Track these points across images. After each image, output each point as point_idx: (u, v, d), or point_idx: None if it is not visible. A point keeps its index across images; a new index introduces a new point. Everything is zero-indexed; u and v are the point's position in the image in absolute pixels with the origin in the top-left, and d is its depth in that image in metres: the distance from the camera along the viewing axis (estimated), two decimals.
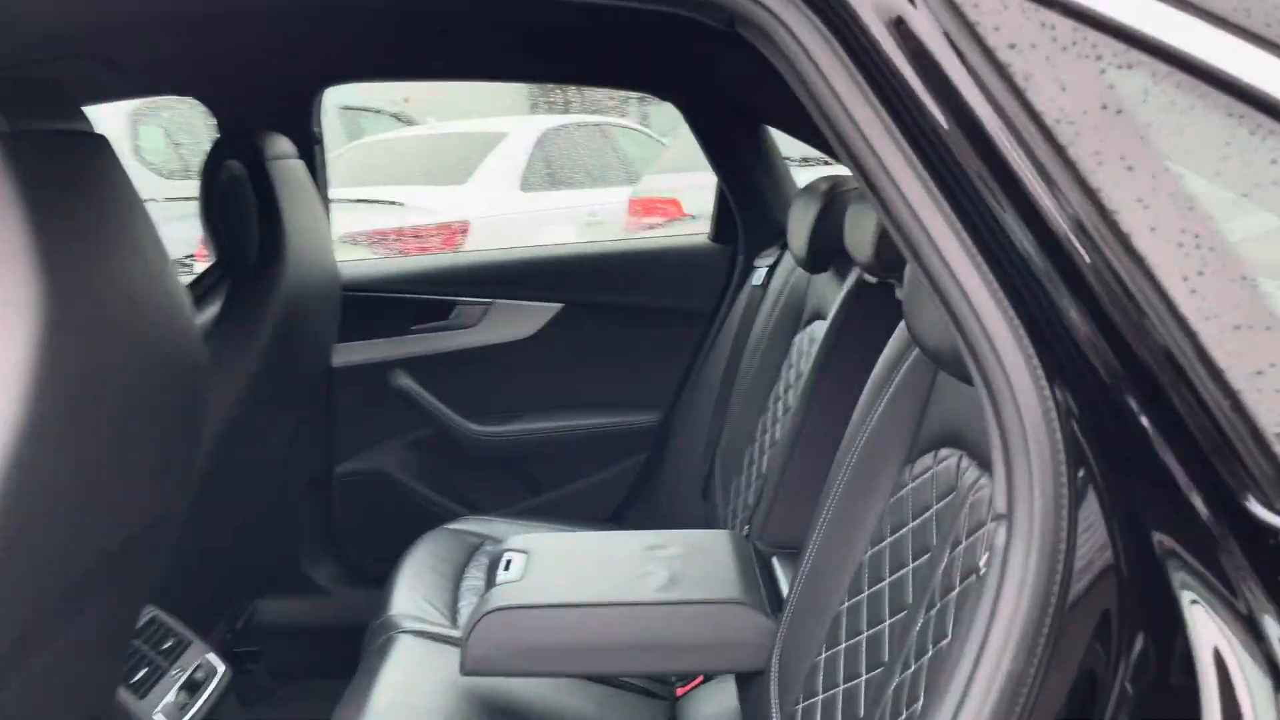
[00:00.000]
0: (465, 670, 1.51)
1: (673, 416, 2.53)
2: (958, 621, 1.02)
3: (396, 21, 2.06)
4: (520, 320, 2.51)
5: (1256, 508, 0.60)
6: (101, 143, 1.12)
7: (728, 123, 2.33)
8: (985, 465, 1.13)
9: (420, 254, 5.46)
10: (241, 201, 1.86)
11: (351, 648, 2.55)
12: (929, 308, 1.11)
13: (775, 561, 1.74)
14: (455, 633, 1.85)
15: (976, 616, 0.71)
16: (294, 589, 2.53)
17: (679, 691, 1.85)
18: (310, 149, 2.25)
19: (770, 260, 2.31)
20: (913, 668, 1.11)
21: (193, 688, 1.67)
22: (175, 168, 5.83)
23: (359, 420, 2.51)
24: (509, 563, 1.65)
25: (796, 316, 2.17)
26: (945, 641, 1.04)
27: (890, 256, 1.45)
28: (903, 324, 1.37)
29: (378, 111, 8.17)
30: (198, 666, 1.71)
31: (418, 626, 1.83)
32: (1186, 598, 0.64)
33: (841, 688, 1.27)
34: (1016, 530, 0.68)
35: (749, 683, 1.57)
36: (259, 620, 2.48)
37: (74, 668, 1.27)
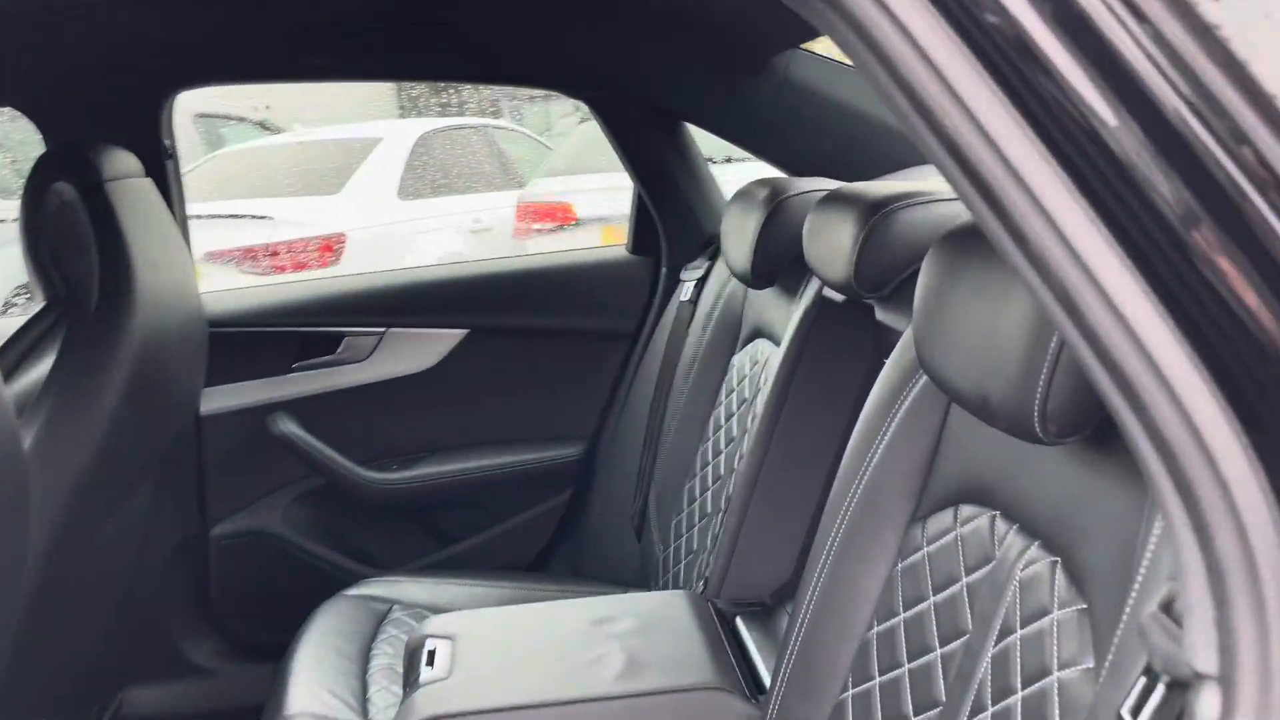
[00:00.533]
0: None
1: (597, 449, 2.29)
2: None
3: (260, 14, 1.75)
4: (419, 350, 2.22)
5: None
6: None
7: (644, 121, 2.10)
8: (1030, 531, 0.93)
9: (296, 270, 5.07)
10: (75, 231, 1.53)
11: None
12: (961, 347, 0.90)
13: (740, 623, 1.53)
14: None
15: None
16: (169, 673, 2.19)
17: None
18: (160, 164, 1.92)
19: (699, 272, 2.09)
20: None
21: None
22: (14, 187, 5.27)
23: (236, 474, 2.19)
24: (432, 654, 1.38)
25: (733, 334, 1.96)
26: None
27: (871, 276, 1.24)
28: (900, 351, 1.16)
29: (240, 119, 7.65)
30: None
31: None
32: None
33: None
34: (1240, 700, 0.47)
35: None
36: (127, 713, 2.13)
37: None
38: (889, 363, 1.18)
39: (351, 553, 2.26)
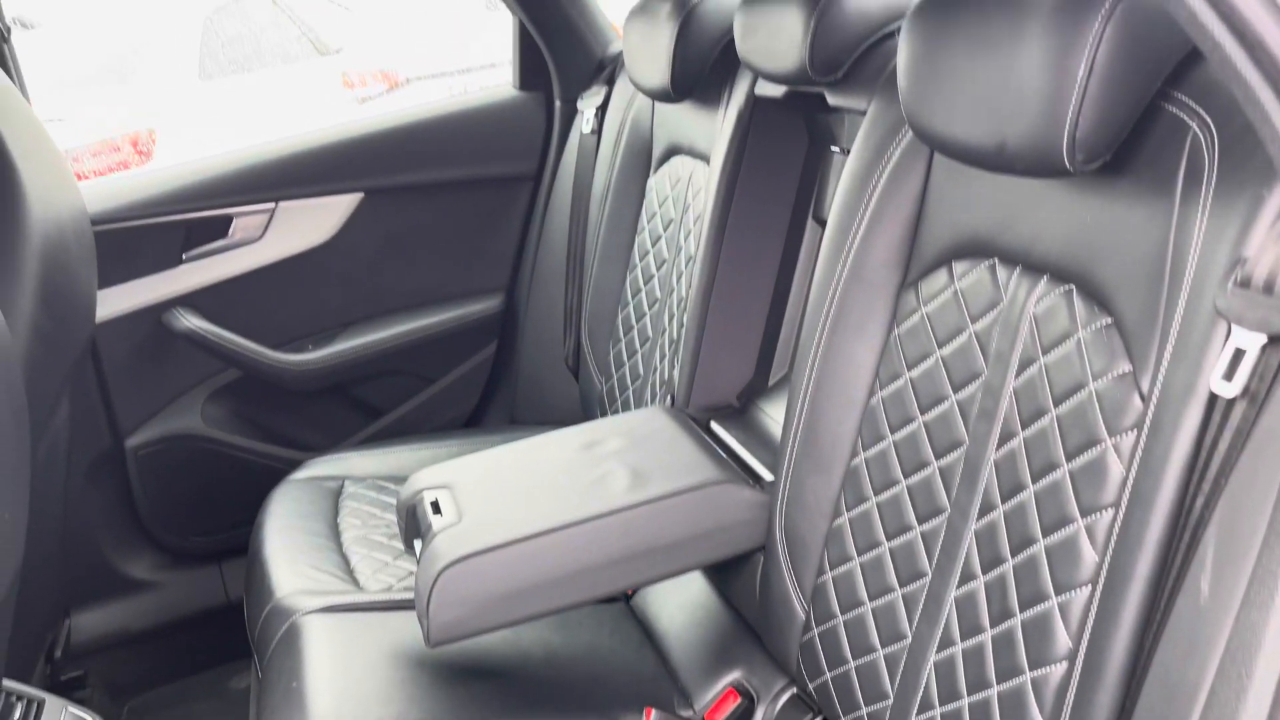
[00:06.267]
0: (433, 642, 1.26)
1: (515, 297, 2.27)
2: (1081, 446, 0.90)
3: None
4: (314, 221, 2.12)
5: None
6: None
7: None
8: (1036, 269, 1.00)
9: (108, 174, 4.66)
10: None
11: (196, 640, 2.19)
12: (958, 101, 0.94)
13: (716, 425, 1.59)
14: (366, 595, 1.57)
15: None
16: (110, 592, 2.11)
17: (628, 591, 1.69)
18: None
19: (598, 99, 2.05)
20: (1004, 507, 0.99)
21: None
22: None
23: (142, 380, 2.07)
24: (435, 504, 1.38)
25: (645, 157, 1.95)
26: (1059, 472, 0.92)
27: (827, 58, 1.25)
28: (869, 127, 1.19)
29: None
30: None
31: (321, 602, 1.53)
32: None
33: (888, 546, 1.15)
34: None
35: (737, 566, 1.42)
36: (76, 640, 2.05)
37: None
38: (859, 141, 1.21)
39: (281, 441, 2.19)
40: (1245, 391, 0.66)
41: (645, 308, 1.90)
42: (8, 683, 1.31)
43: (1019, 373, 1.00)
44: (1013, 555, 0.97)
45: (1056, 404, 0.94)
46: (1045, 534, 0.93)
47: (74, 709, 1.42)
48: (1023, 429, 0.99)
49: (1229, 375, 0.67)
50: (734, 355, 1.62)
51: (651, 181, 1.93)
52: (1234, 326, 0.67)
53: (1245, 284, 0.67)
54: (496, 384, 2.31)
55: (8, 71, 1.72)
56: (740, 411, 1.62)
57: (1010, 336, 1.02)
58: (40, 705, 1.37)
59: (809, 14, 1.24)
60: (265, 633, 1.54)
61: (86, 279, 1.70)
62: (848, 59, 1.25)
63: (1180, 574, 0.69)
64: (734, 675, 1.41)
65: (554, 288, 2.16)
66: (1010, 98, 0.87)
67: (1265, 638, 0.57)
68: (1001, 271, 1.04)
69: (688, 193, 1.80)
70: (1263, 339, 0.64)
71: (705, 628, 1.52)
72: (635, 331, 1.92)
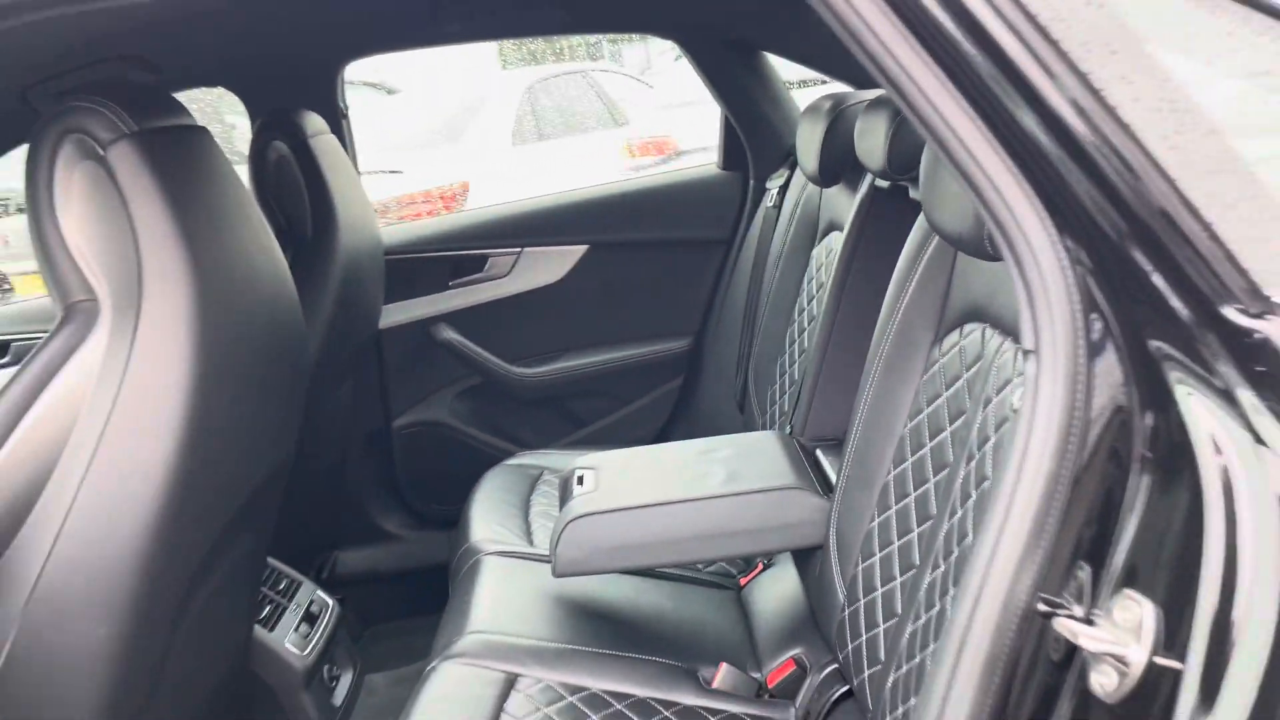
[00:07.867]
0: (557, 572, 1.69)
1: (702, 340, 2.69)
2: (996, 464, 1.19)
3: None
4: (549, 265, 2.65)
5: (1232, 313, 0.76)
6: (205, 133, 1.27)
7: (728, 54, 2.45)
8: (1008, 333, 1.29)
9: (428, 217, 5.58)
10: (290, 179, 2.00)
11: (426, 587, 2.75)
12: (947, 200, 1.26)
13: (819, 453, 1.91)
14: (534, 549, 2.03)
15: (1015, 438, 0.87)
16: (368, 539, 2.71)
17: (742, 581, 2.03)
18: (338, 123, 2.38)
19: (781, 181, 2.45)
20: (959, 513, 1.28)
21: (311, 620, 1.85)
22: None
23: (410, 375, 2.67)
24: (581, 478, 1.82)
25: (812, 231, 2.31)
26: (987, 484, 1.21)
27: (900, 160, 1.59)
28: (921, 218, 1.52)
29: (349, 83, 8.18)
30: (311, 602, 1.89)
31: (499, 548, 2.01)
32: (1181, 390, 0.78)
33: (896, 544, 1.45)
34: (1043, 361, 0.84)
35: (808, 559, 1.75)
36: (340, 571, 2.66)
37: (223, 605, 1.44)
38: (914, 229, 1.53)
39: (505, 436, 2.73)
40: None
41: (796, 356, 2.25)
42: (277, 563, 1.88)
43: (984, 408, 1.29)
44: (956, 550, 1.26)
45: (995, 430, 1.23)
46: (972, 535, 1.21)
47: (322, 593, 1.97)
48: (978, 450, 1.27)
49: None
50: (843, 397, 1.93)
51: (814, 251, 2.29)
52: None
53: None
54: (680, 412, 2.74)
55: (342, 140, 2.38)
56: (843, 444, 1.93)
57: (983, 381, 1.30)
58: (299, 584, 1.94)
59: (889, 123, 1.58)
60: (458, 565, 2.04)
61: (374, 293, 2.31)
62: (920, 161, 1.58)
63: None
64: (796, 650, 1.72)
65: (732, 336, 2.56)
66: (962, 198, 1.19)
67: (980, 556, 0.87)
68: (989, 333, 1.33)
69: (836, 261, 2.15)
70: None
71: (787, 614, 1.84)
72: (787, 376, 2.27)
